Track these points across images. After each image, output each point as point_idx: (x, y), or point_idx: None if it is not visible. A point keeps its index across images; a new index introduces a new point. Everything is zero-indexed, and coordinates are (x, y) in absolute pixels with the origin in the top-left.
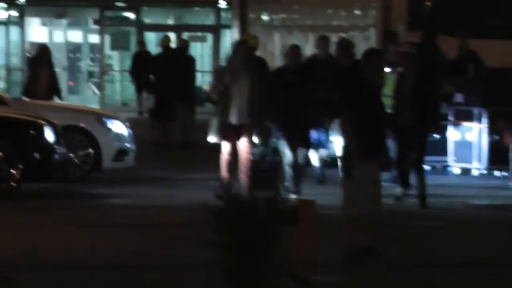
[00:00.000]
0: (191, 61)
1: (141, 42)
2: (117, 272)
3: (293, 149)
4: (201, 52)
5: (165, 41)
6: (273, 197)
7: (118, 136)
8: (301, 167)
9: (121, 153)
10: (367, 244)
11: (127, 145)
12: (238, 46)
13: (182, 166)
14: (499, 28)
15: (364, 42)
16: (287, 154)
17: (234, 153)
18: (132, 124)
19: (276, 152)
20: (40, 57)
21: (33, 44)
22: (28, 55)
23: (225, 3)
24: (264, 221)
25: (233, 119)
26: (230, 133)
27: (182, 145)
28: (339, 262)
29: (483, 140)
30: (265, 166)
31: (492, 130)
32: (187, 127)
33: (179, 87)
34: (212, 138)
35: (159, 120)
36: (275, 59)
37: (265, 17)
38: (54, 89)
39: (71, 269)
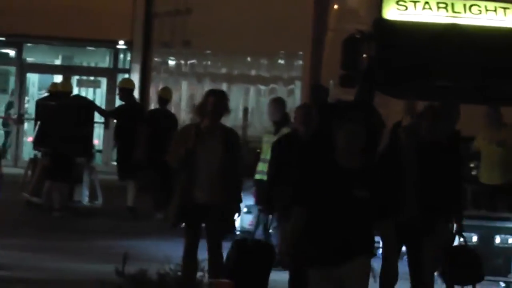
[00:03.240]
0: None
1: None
2: None
3: None
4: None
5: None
6: None
7: None
8: None
9: None
10: None
11: None
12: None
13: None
14: (450, 90)
15: (289, 97)
16: None
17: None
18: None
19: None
20: None
21: None
22: None
23: (123, 43)
24: None
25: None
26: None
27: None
28: None
29: None
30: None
31: None
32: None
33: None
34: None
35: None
36: (182, 112)
37: (172, 62)
38: None
39: None
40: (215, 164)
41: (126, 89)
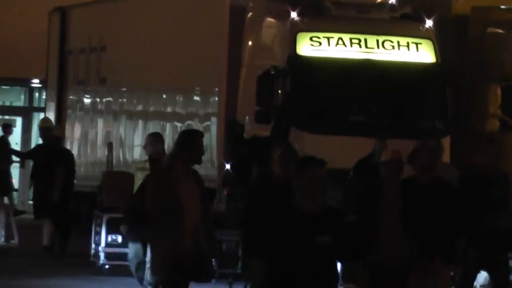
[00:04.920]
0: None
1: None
2: None
3: None
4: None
5: None
6: None
7: None
8: None
9: None
10: None
11: None
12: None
13: None
14: (363, 125)
15: (205, 134)
16: None
17: None
18: None
19: None
20: None
21: None
22: None
23: (38, 81)
24: None
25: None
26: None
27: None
28: None
29: None
30: None
31: None
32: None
33: None
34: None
35: None
36: (98, 150)
37: (87, 100)
38: None
39: None
40: (197, 210)
41: (45, 128)
